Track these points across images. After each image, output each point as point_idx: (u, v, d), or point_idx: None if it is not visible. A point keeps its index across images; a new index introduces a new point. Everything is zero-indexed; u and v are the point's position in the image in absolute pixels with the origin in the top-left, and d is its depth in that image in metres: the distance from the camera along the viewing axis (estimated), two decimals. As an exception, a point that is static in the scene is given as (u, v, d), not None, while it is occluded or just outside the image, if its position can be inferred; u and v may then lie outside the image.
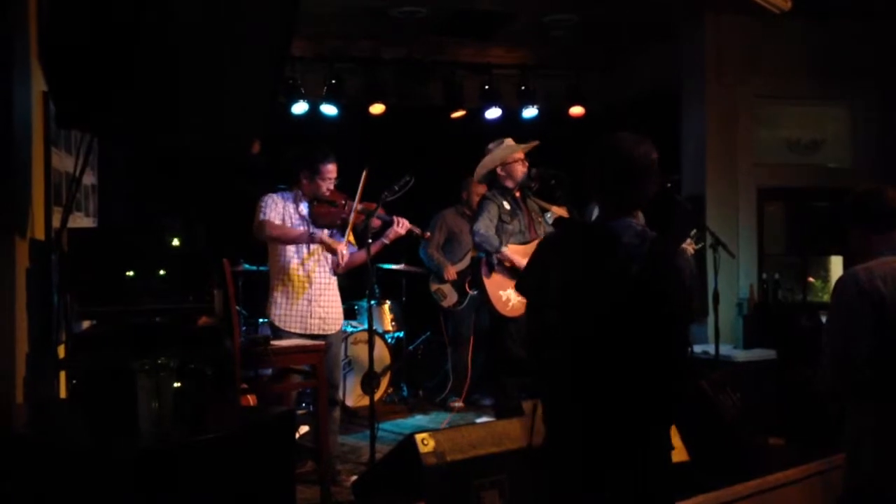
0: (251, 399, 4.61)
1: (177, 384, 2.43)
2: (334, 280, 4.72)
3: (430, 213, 6.77)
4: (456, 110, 7.75)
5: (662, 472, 2.49)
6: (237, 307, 4.85)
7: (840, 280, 2.78)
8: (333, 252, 4.56)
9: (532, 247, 5.12)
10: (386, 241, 4.61)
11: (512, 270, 5.05)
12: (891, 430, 2.65)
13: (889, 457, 2.65)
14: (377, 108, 7.51)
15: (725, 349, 5.79)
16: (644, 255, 2.41)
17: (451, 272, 6.57)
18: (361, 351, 6.37)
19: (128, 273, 3.18)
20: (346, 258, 4.57)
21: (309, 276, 4.58)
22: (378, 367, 6.44)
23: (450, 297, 6.62)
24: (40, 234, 3.36)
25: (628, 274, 2.40)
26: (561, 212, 5.30)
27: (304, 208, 4.58)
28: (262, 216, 4.49)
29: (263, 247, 4.69)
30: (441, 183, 6.76)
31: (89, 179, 4.27)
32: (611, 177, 2.50)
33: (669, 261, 2.46)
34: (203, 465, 2.33)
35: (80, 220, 4.03)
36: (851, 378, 2.63)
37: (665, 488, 2.52)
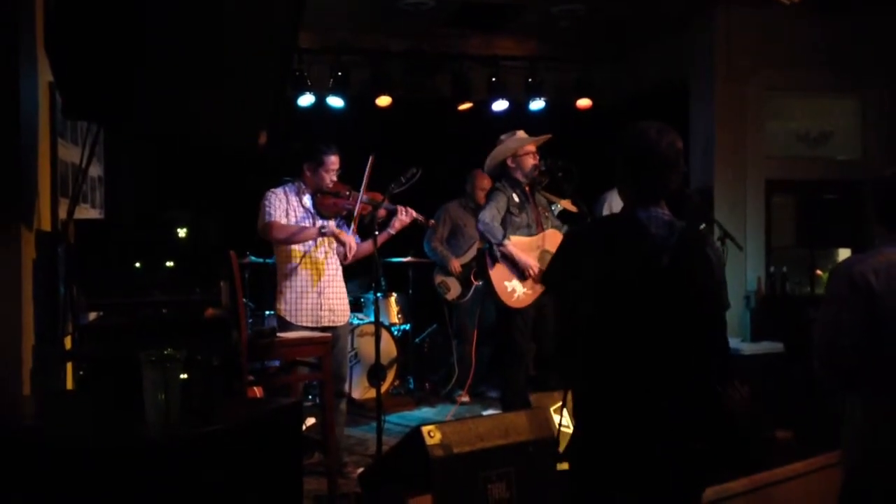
0: (258, 391, 4.61)
1: (184, 376, 2.42)
2: (340, 271, 4.71)
3: (437, 206, 6.76)
4: (463, 102, 7.73)
5: (696, 463, 2.50)
6: (244, 299, 4.85)
7: (834, 270, 2.79)
8: (343, 244, 4.55)
9: (537, 240, 5.13)
10: (392, 231, 4.60)
11: (514, 264, 5.04)
12: (878, 422, 2.64)
13: (877, 449, 2.65)
14: (384, 101, 7.49)
15: (733, 342, 5.75)
16: (673, 246, 2.41)
17: (456, 265, 6.56)
18: (368, 343, 6.36)
19: (135, 264, 3.18)
20: (354, 249, 4.56)
21: (317, 268, 4.57)
22: (384, 360, 6.44)
23: (454, 289, 6.61)
24: (47, 226, 3.37)
25: (659, 265, 2.40)
26: (568, 205, 5.28)
27: (307, 200, 4.57)
28: (267, 217, 4.46)
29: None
30: (448, 175, 6.75)
31: (96, 171, 4.27)
32: (635, 167, 2.47)
33: (699, 251, 2.47)
34: (210, 456, 2.33)
35: (87, 212, 4.03)
36: (836, 367, 2.63)
37: (697, 478, 2.54)
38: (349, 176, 4.64)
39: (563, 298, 2.62)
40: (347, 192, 4.57)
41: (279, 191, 4.55)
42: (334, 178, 4.56)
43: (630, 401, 2.43)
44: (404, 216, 4.60)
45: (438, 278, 6.65)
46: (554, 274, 2.66)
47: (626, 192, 2.53)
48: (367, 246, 4.62)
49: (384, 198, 4.52)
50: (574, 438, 2.62)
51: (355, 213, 4.54)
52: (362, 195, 4.51)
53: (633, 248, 2.43)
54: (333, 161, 4.53)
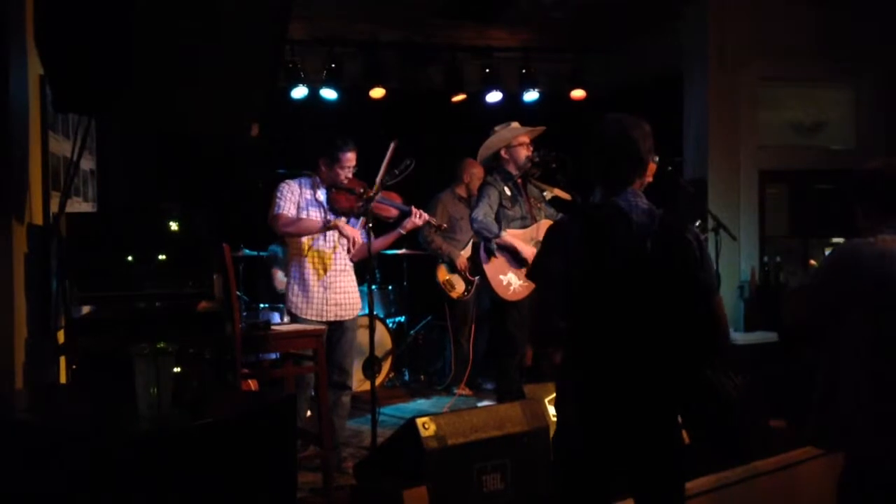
0: (253, 384, 4.61)
1: (176, 369, 2.42)
2: (350, 266, 4.71)
3: (430, 198, 6.74)
4: (456, 94, 7.71)
5: (679, 450, 2.60)
6: (238, 292, 4.84)
7: (833, 250, 2.86)
8: (347, 237, 4.54)
9: (531, 231, 5.13)
10: (403, 231, 4.60)
11: (512, 255, 5.03)
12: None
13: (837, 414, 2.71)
14: (377, 93, 7.47)
15: (727, 332, 5.76)
16: (655, 233, 2.51)
17: (464, 262, 6.50)
18: (362, 336, 6.36)
19: (127, 258, 3.18)
20: (358, 244, 4.55)
21: (324, 262, 4.58)
22: (379, 352, 6.43)
23: (458, 287, 6.57)
24: (38, 220, 3.36)
25: (644, 252, 2.49)
26: (561, 194, 5.28)
27: (321, 195, 4.57)
28: (276, 209, 4.47)
29: (271, 232, 4.68)
30: (442, 167, 6.73)
31: (88, 164, 4.26)
32: (596, 157, 2.63)
33: (678, 236, 2.55)
34: (203, 449, 2.32)
35: (79, 205, 4.02)
36: (791, 323, 2.86)
37: (679, 465, 2.63)
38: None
39: (547, 288, 2.65)
40: (361, 189, 4.55)
41: (293, 183, 4.56)
42: (350, 175, 4.55)
43: (622, 383, 2.50)
44: (417, 219, 4.61)
45: (444, 276, 6.57)
46: (539, 264, 2.69)
47: (602, 179, 2.64)
48: (377, 243, 4.56)
49: (374, 190, 4.48)
50: (561, 425, 2.66)
51: (369, 211, 4.47)
52: (377, 189, 4.45)
53: (618, 236, 2.51)
54: (350, 158, 4.52)
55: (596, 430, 2.53)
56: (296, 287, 4.59)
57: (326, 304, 4.57)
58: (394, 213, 4.60)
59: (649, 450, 2.55)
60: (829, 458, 4.01)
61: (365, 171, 4.61)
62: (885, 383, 2.66)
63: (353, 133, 4.65)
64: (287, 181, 4.56)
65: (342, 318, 4.62)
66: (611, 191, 2.57)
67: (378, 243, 4.61)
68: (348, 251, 4.63)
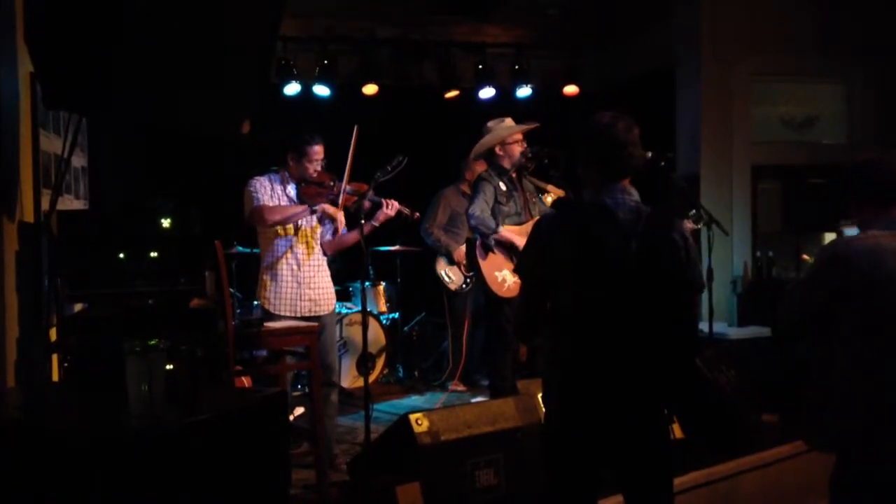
0: (246, 381, 4.60)
1: (168, 366, 2.41)
2: (324, 261, 4.70)
3: (423, 194, 6.73)
4: (450, 90, 7.71)
5: (666, 447, 2.59)
6: (231, 289, 4.83)
7: (822, 248, 2.88)
8: (333, 220, 4.53)
9: (527, 227, 5.12)
10: (375, 223, 4.56)
11: (509, 250, 5.03)
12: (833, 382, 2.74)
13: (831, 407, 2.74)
14: (370, 89, 7.46)
15: (719, 327, 5.79)
16: (640, 231, 2.50)
17: (462, 254, 6.50)
18: (356, 332, 6.36)
19: (119, 255, 3.17)
20: (343, 224, 4.53)
21: (298, 259, 4.56)
22: (373, 349, 6.43)
23: (457, 279, 6.58)
24: (29, 217, 3.35)
25: (629, 251, 2.48)
26: (554, 190, 5.28)
27: (291, 190, 4.56)
28: (255, 202, 4.44)
29: (254, 229, 4.66)
30: (435, 163, 6.73)
31: (80, 161, 4.25)
32: (597, 151, 2.61)
33: (666, 236, 2.54)
34: (195, 447, 2.32)
35: (71, 203, 4.01)
36: (781, 330, 2.90)
37: (667, 462, 2.62)
38: (336, 161, 4.61)
39: (531, 284, 2.65)
40: (331, 182, 4.55)
41: (263, 178, 4.53)
42: (318, 168, 4.54)
43: (605, 380, 2.51)
44: (389, 209, 4.58)
45: (442, 268, 6.58)
46: (525, 260, 2.70)
47: (591, 177, 2.64)
48: (351, 236, 4.63)
49: (369, 188, 4.50)
50: (548, 421, 2.67)
51: (339, 203, 4.52)
52: (346, 186, 4.49)
53: (603, 235, 2.51)
54: (317, 151, 4.52)
55: (578, 426, 2.54)
56: (268, 282, 4.55)
57: (300, 300, 4.55)
58: (366, 205, 4.58)
59: (635, 446, 2.55)
60: (822, 454, 4.02)
61: (363, 169, 4.60)
62: (877, 381, 2.66)
63: (345, 129, 4.64)
64: (256, 177, 4.53)
65: (317, 314, 4.59)
66: (600, 188, 2.57)
67: (350, 237, 4.64)
68: (335, 232, 4.62)
